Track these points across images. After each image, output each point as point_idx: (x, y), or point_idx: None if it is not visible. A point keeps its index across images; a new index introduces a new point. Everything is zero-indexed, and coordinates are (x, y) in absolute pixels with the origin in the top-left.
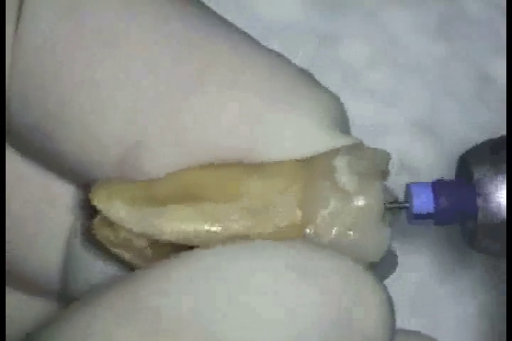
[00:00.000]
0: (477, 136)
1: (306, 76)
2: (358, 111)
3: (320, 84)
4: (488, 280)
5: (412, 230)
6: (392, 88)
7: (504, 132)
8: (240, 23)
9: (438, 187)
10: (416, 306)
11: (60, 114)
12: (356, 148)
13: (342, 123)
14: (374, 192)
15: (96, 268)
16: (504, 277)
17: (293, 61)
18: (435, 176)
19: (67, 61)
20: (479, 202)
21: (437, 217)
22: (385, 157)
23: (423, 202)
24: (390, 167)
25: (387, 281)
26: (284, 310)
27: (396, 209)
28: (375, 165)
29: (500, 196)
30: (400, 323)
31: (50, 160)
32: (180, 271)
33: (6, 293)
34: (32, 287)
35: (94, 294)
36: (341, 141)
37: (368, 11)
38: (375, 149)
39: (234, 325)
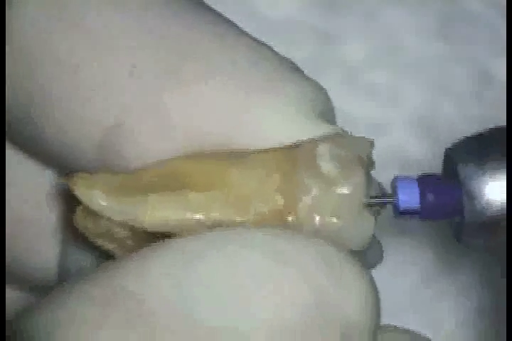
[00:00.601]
0: None
1: (290, 65)
2: (357, 109)
3: (304, 74)
4: (488, 280)
5: (411, 228)
6: (391, 87)
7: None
8: (239, 22)
9: (424, 182)
10: (416, 305)
11: (43, 99)
12: (339, 136)
13: (326, 112)
14: (356, 179)
15: (87, 262)
16: (504, 276)
17: (292, 60)
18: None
19: (50, 47)
20: (465, 199)
21: (423, 213)
22: (368, 145)
23: (409, 197)
24: (373, 155)
25: (387, 280)
26: (264, 295)
27: (380, 203)
28: (358, 152)
29: (487, 193)
30: (399, 322)
31: (38, 149)
32: (160, 257)
33: (8, 292)
34: (30, 284)
35: (72, 281)
36: (324, 130)
37: (367, 10)
38: (358, 137)
39: (214, 311)
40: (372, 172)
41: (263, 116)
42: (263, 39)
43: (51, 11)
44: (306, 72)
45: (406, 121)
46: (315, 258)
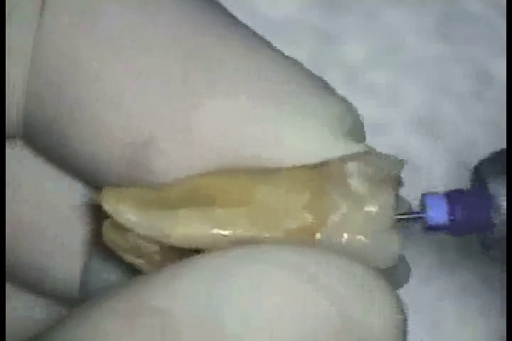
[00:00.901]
0: (476, 135)
1: (319, 82)
2: (357, 109)
3: (333, 91)
4: (489, 280)
5: (411, 230)
6: (391, 87)
7: (503, 131)
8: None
9: (453, 198)
10: (416, 305)
11: (73, 111)
12: (368, 155)
13: (355, 130)
14: (385, 198)
15: (111, 275)
16: (504, 276)
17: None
18: (434, 174)
19: (79, 58)
20: (494, 214)
21: (452, 229)
22: (398, 164)
23: (438, 213)
24: (400, 174)
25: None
26: (292, 315)
27: (409, 220)
28: (387, 171)
29: None
30: None
31: (64, 160)
32: (187, 273)
33: (28, 302)
34: (53, 295)
35: (101, 297)
36: (353, 148)
37: (367, 10)
38: (387, 155)
39: (240, 328)
40: None
41: (292, 134)
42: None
43: (82, 23)
44: None
45: (406, 121)
46: (342, 278)
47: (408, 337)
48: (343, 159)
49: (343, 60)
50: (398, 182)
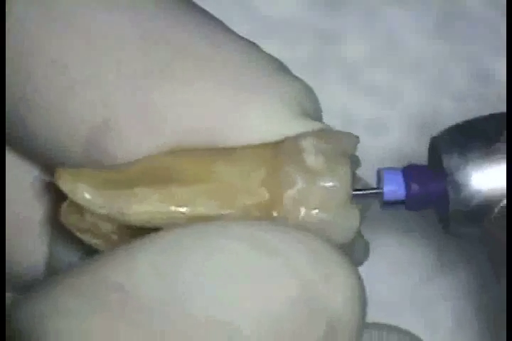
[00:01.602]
0: None
1: (277, 64)
2: (357, 108)
3: (291, 73)
4: (488, 280)
5: (411, 228)
6: (391, 86)
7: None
8: (240, 21)
9: (409, 173)
10: (415, 305)
11: (31, 96)
12: (323, 132)
13: (313, 110)
14: (341, 173)
15: (74, 259)
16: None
17: (292, 59)
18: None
19: (38, 44)
20: (450, 189)
21: (409, 204)
22: (354, 140)
23: (394, 188)
24: (356, 151)
25: (387, 280)
26: (250, 287)
27: (366, 195)
28: (343, 147)
29: (471, 183)
30: (399, 322)
31: (22, 144)
32: (145, 249)
33: (10, 297)
34: (18, 283)
35: (60, 274)
36: (308, 126)
37: (367, 9)
38: (343, 132)
39: (201, 302)
40: (370, 170)
41: (249, 114)
42: (263, 39)
43: (40, 8)
44: (306, 71)
45: (406, 121)
46: (302, 251)
47: None
48: (299, 136)
49: (343, 60)
50: (356, 160)
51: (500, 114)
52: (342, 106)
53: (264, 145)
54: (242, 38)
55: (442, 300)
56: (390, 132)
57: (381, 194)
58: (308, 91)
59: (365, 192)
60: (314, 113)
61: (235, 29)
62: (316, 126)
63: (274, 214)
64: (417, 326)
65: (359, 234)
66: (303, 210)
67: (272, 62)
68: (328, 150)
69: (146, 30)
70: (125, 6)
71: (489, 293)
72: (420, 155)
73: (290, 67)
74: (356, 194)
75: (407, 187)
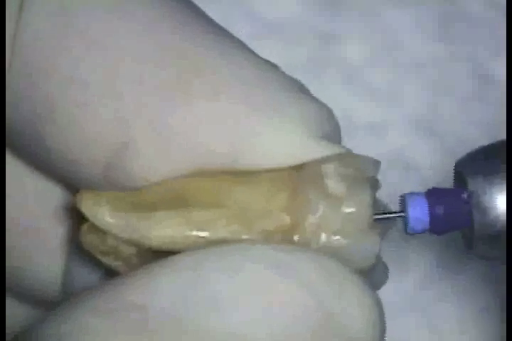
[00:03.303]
0: (476, 135)
1: (296, 85)
2: (357, 109)
3: (310, 94)
4: (489, 281)
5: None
6: (391, 87)
7: (503, 131)
8: (240, 22)
9: (433, 197)
10: (416, 306)
11: (49, 111)
12: (344, 156)
13: (331, 132)
14: (362, 198)
15: (92, 278)
16: (504, 277)
17: (292, 59)
18: (434, 175)
19: (56, 59)
20: (475, 212)
21: (433, 227)
22: (374, 164)
23: (419, 212)
24: (378, 176)
25: (388, 281)
26: (267, 310)
27: (388, 220)
28: (364, 172)
29: (496, 206)
30: (399, 322)
31: (42, 162)
32: (165, 271)
33: (11, 306)
34: (35, 298)
35: (82, 294)
36: (329, 150)
37: (367, 10)
38: (363, 156)
39: (219, 322)
40: None
41: (269, 137)
42: (263, 40)
43: (57, 24)
44: (306, 72)
45: (406, 121)
46: (318, 272)
47: (408, 337)
48: (320, 161)
49: (343, 60)
50: (376, 184)
51: None
52: (342, 106)
53: (285, 169)
54: (261, 58)
55: (442, 301)
56: (389, 133)
57: (406, 218)
58: (328, 113)
59: (386, 216)
60: (334, 135)
61: (236, 30)
62: (336, 149)
63: (295, 238)
64: (418, 327)
65: (379, 258)
66: (324, 235)
67: (292, 83)
68: (350, 175)
69: (164, 46)
70: (142, 22)
71: (489, 294)
72: (420, 155)
73: (290, 67)
74: (377, 218)
75: (431, 211)
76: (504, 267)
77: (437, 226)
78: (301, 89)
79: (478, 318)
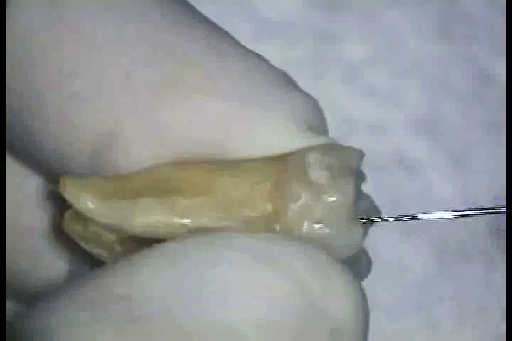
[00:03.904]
0: (476, 135)
1: (283, 77)
2: (357, 109)
3: (296, 86)
4: (488, 280)
5: (412, 231)
6: (391, 87)
7: (503, 131)
8: (240, 22)
9: None
10: (416, 305)
11: (37, 103)
12: (328, 147)
13: (317, 124)
14: (345, 188)
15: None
16: (504, 277)
17: (292, 59)
18: (434, 174)
19: (46, 52)
20: None
21: None
22: (358, 155)
23: None
24: (360, 165)
25: (388, 281)
26: (251, 298)
27: (373, 213)
28: (348, 162)
29: None
30: (399, 322)
31: (28, 154)
32: (148, 260)
33: (11, 308)
34: (28, 295)
35: (65, 286)
36: (313, 141)
37: (367, 10)
38: (348, 147)
39: (204, 311)
40: (371, 171)
41: (255, 127)
42: (264, 40)
43: (48, 19)
44: (306, 72)
45: (406, 121)
46: (304, 261)
47: (408, 337)
48: (304, 150)
49: (343, 60)
50: (361, 175)
51: None
52: (342, 106)
53: (269, 159)
54: (249, 51)
55: (442, 301)
56: (389, 132)
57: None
58: (314, 105)
59: (369, 220)
60: (320, 127)
61: (236, 30)
62: (321, 140)
63: (277, 227)
64: (418, 326)
65: (362, 249)
66: (306, 224)
67: (278, 75)
68: (333, 165)
69: (154, 42)
70: (134, 17)
71: (489, 293)
72: (420, 155)
73: (290, 67)
74: (362, 220)
75: None
76: (504, 267)
77: None
78: (288, 82)
79: (478, 318)
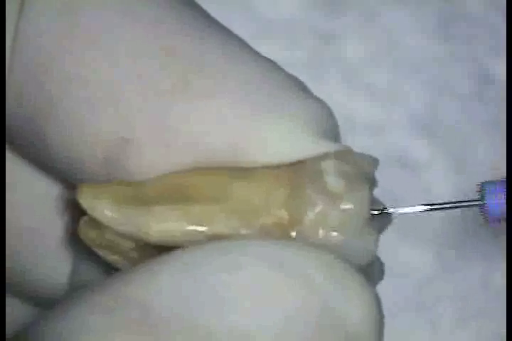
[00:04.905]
0: (476, 135)
1: (296, 83)
2: (357, 109)
3: (309, 92)
4: (488, 280)
5: (412, 231)
6: (391, 87)
7: (503, 131)
8: (241, 22)
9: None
10: (416, 305)
11: (50, 109)
12: (343, 154)
13: (331, 130)
14: (361, 195)
15: (99, 278)
16: (504, 277)
17: (292, 59)
18: (434, 174)
19: (59, 57)
20: None
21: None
22: (373, 162)
23: (497, 202)
24: (375, 173)
25: (387, 280)
26: (268, 306)
27: (384, 217)
28: (362, 169)
29: None
30: (399, 322)
31: (42, 159)
32: (165, 267)
33: (13, 305)
34: (37, 297)
35: (82, 291)
36: (327, 147)
37: (367, 10)
38: (362, 154)
39: (220, 318)
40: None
41: (269, 134)
42: (263, 39)
43: (63, 22)
44: (306, 72)
45: (406, 121)
46: (320, 268)
47: (408, 337)
48: (319, 157)
49: (343, 60)
50: (373, 181)
51: None
52: (342, 106)
53: (284, 166)
54: (261, 56)
55: (442, 301)
56: (389, 132)
57: (485, 208)
58: (328, 112)
59: (380, 212)
60: (333, 134)
61: (236, 30)
62: (336, 147)
63: (293, 234)
64: (418, 326)
65: (376, 256)
66: (321, 232)
67: (292, 81)
68: (348, 172)
69: (167, 46)
70: (146, 22)
71: (489, 293)
72: (420, 155)
73: (290, 67)
74: (373, 214)
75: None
76: (504, 267)
77: None
78: (301, 87)
79: (478, 318)
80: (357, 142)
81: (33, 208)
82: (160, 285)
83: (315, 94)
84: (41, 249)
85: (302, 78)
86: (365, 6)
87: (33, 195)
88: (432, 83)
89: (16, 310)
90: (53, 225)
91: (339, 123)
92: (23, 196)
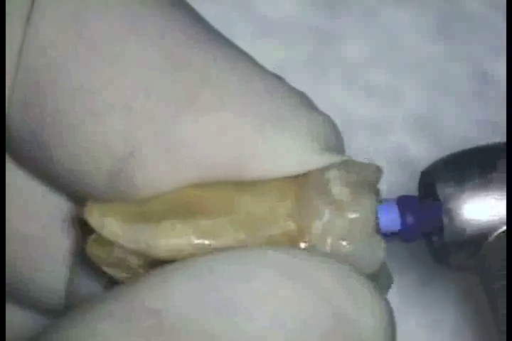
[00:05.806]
0: (476, 135)
1: (300, 97)
2: (357, 109)
3: (313, 105)
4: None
5: None
6: (391, 87)
7: (503, 131)
8: (240, 22)
9: (404, 205)
10: (416, 305)
11: (55, 121)
12: (347, 163)
13: (335, 144)
14: (366, 203)
15: (94, 286)
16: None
17: (292, 59)
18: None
19: (65, 67)
20: (445, 219)
21: (404, 235)
22: (376, 171)
23: (390, 220)
24: (380, 182)
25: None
26: (280, 315)
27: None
28: (367, 178)
29: (466, 212)
30: (399, 322)
31: (48, 172)
32: (179, 275)
33: (12, 312)
34: (38, 306)
35: (95, 299)
36: (332, 159)
37: (367, 10)
38: (366, 163)
39: (234, 328)
40: None
41: (274, 147)
42: (263, 39)
43: (68, 34)
44: (306, 72)
45: (406, 121)
46: (332, 277)
47: (408, 337)
48: (324, 168)
49: (343, 60)
50: (377, 190)
51: (496, 144)
52: (342, 106)
53: (289, 179)
54: (267, 71)
55: (442, 301)
56: (389, 132)
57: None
58: (332, 124)
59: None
60: (337, 146)
61: (236, 30)
62: (339, 158)
63: (301, 245)
64: (417, 327)
65: (384, 264)
66: (329, 241)
67: (296, 95)
68: (353, 181)
69: (173, 57)
70: (154, 34)
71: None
72: (420, 154)
73: (290, 67)
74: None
75: (403, 218)
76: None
77: (409, 234)
78: (306, 101)
79: (478, 318)
80: (357, 142)
81: (40, 219)
82: (173, 293)
83: (315, 94)
84: (45, 261)
85: (302, 78)
86: (365, 6)
87: (40, 205)
88: (431, 83)
89: (15, 317)
90: (57, 238)
91: (339, 123)
92: (28, 208)
